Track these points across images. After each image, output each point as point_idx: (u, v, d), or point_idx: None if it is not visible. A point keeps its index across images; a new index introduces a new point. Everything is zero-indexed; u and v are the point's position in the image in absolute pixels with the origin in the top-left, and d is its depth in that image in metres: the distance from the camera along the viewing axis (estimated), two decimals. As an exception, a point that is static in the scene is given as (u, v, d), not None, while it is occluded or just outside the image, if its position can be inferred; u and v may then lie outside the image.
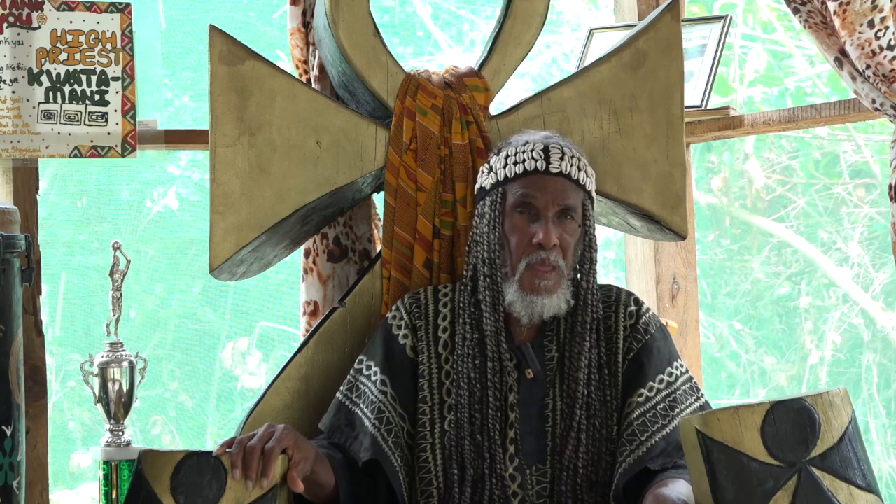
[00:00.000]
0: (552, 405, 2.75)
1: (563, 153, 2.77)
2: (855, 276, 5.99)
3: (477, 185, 2.88)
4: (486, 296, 2.75)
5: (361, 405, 2.76)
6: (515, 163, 2.78)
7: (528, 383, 2.75)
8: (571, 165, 2.76)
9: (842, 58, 3.09)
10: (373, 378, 2.77)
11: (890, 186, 3.02)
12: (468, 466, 2.70)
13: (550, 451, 2.73)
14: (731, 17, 3.68)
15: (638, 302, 2.84)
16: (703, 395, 2.81)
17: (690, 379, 2.80)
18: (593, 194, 2.83)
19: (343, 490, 2.65)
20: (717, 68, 3.57)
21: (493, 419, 2.71)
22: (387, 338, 2.81)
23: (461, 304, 2.79)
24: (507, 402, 2.74)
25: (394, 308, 2.85)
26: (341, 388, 2.83)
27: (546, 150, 2.77)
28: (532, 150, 2.77)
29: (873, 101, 3.04)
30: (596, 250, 2.80)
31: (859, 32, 2.96)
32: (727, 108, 3.61)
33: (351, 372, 2.83)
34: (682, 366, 2.80)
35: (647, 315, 2.82)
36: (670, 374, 2.77)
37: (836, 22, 2.98)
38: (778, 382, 6.04)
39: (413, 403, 2.76)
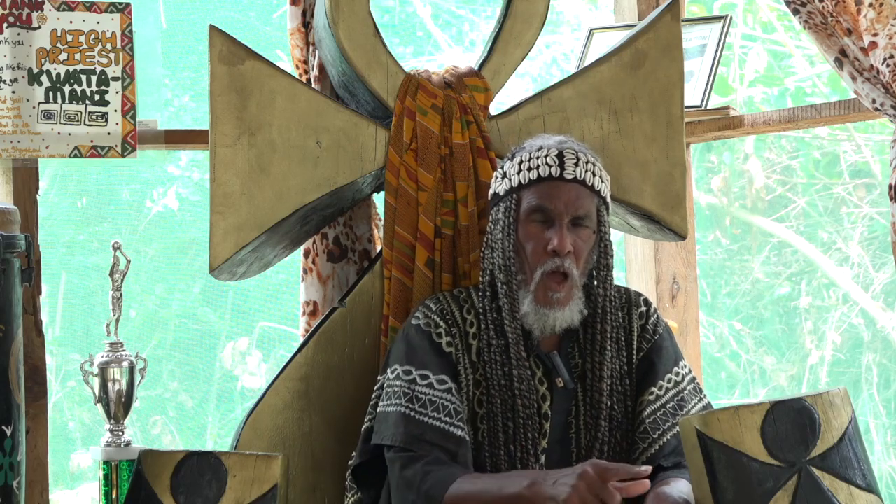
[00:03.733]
0: (575, 412, 2.74)
1: (578, 159, 2.73)
2: (855, 276, 5.99)
3: (490, 191, 2.85)
4: (505, 304, 2.72)
5: (435, 414, 2.67)
6: (529, 168, 2.74)
7: (559, 392, 2.74)
8: (586, 171, 2.73)
9: (842, 58, 3.09)
10: (439, 386, 2.69)
11: (890, 186, 3.03)
12: None
13: (575, 460, 2.71)
14: (731, 17, 3.67)
15: (647, 302, 2.84)
16: (705, 394, 2.82)
17: (694, 379, 2.81)
18: (608, 200, 2.79)
19: None
20: (717, 68, 3.57)
21: (524, 428, 2.69)
22: (433, 347, 2.73)
23: (482, 310, 2.76)
24: (540, 412, 2.72)
25: (422, 316, 2.77)
26: (392, 400, 2.71)
27: (560, 155, 2.73)
28: (546, 156, 2.73)
29: (873, 101, 3.04)
30: (612, 256, 2.77)
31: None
32: (727, 108, 3.61)
33: (397, 384, 2.72)
34: (686, 365, 2.81)
35: (655, 315, 2.83)
36: (677, 374, 2.78)
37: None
38: (778, 382, 6.04)
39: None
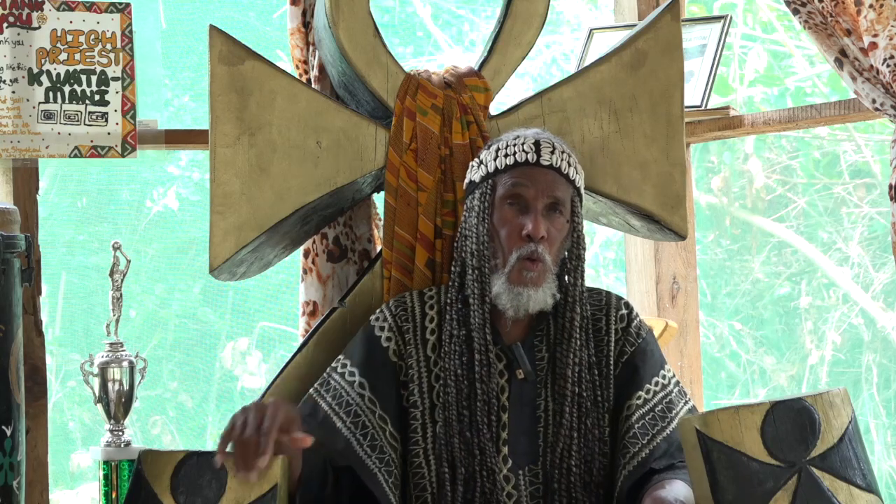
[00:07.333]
0: (544, 405, 2.74)
1: (554, 148, 2.78)
2: (855, 276, 6.00)
3: (466, 180, 2.88)
4: (475, 288, 2.74)
5: (329, 399, 2.75)
6: (506, 155, 2.78)
7: (518, 384, 2.74)
8: (562, 160, 2.77)
9: (842, 58, 3.09)
10: (348, 378, 2.76)
11: (890, 186, 3.03)
12: (459, 465, 2.68)
13: (543, 451, 2.72)
14: (731, 17, 3.68)
15: (628, 306, 2.85)
16: (690, 397, 2.84)
17: (678, 382, 2.83)
18: (582, 191, 2.83)
19: (305, 476, 2.60)
20: (717, 68, 3.57)
21: (481, 413, 2.70)
22: (369, 340, 2.79)
23: (448, 302, 2.78)
24: (499, 404, 2.73)
25: (378, 311, 2.83)
26: (315, 384, 2.82)
27: (537, 143, 2.77)
28: (523, 143, 2.78)
29: (873, 101, 3.04)
30: (584, 248, 2.80)
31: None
32: (727, 108, 3.61)
33: (327, 370, 2.82)
34: (670, 369, 2.83)
35: (638, 319, 2.84)
36: (664, 377, 2.79)
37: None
38: (778, 382, 6.05)
39: (395, 406, 2.74)
